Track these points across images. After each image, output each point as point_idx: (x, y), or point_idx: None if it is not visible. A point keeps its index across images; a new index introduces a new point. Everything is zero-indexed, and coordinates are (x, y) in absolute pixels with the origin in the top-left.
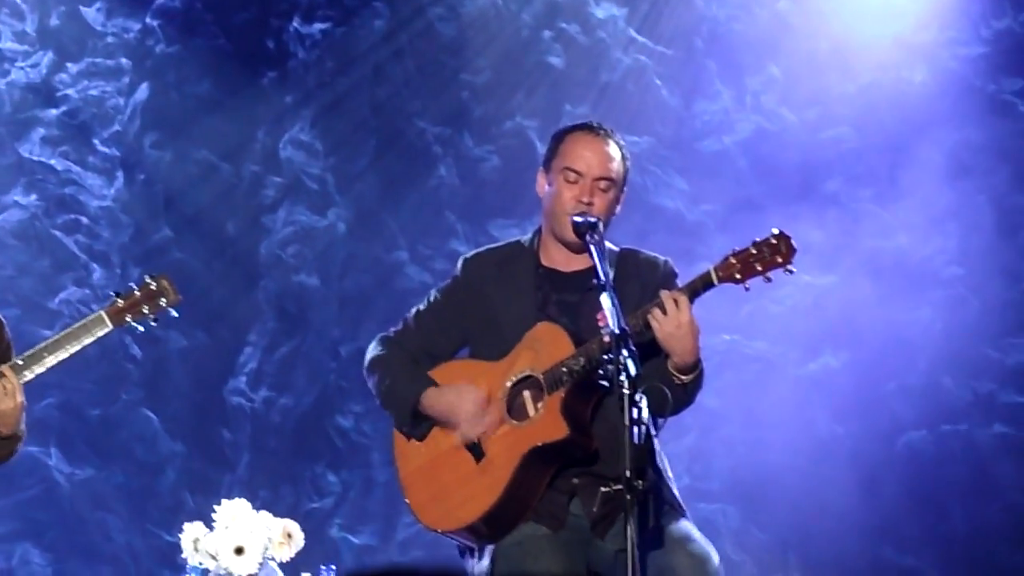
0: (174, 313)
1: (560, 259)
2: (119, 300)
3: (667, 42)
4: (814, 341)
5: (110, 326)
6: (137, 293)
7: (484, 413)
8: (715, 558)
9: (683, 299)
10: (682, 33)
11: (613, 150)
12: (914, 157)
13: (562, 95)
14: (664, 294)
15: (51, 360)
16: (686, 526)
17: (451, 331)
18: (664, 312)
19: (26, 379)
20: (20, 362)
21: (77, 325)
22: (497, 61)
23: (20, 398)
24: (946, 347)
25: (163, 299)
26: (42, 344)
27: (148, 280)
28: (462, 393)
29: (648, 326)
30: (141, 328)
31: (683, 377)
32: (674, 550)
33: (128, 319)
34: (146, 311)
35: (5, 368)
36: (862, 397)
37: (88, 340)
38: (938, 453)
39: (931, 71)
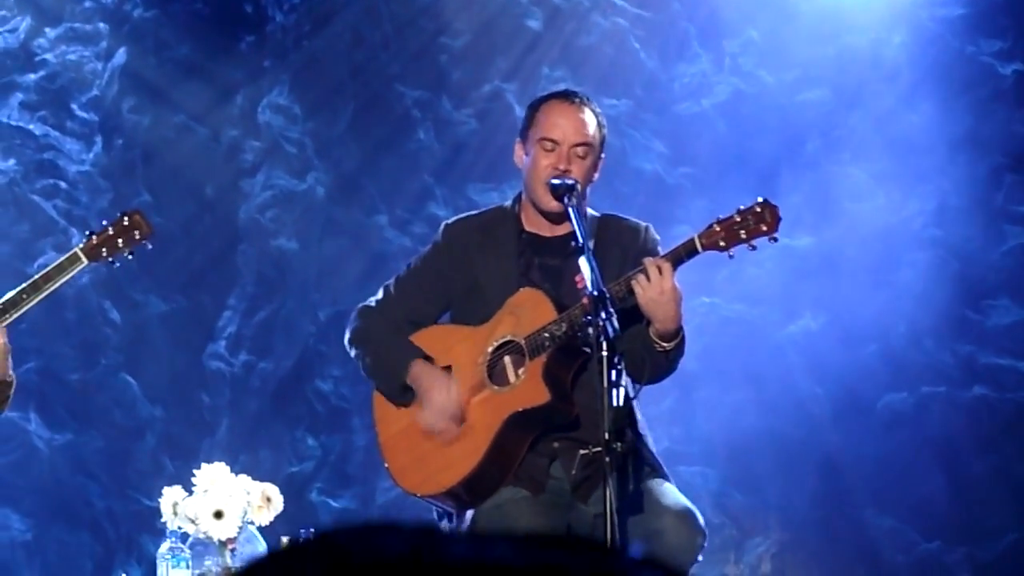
0: (148, 245)
1: (541, 224)
2: (93, 236)
3: (645, 5)
4: (793, 303)
5: (85, 261)
6: (110, 229)
7: (454, 417)
8: (700, 519)
9: (667, 266)
10: None
11: (589, 117)
12: (892, 119)
13: (540, 58)
14: (648, 261)
15: (29, 301)
16: (669, 488)
17: (434, 297)
18: (648, 278)
19: (5, 321)
20: None
21: (53, 265)
22: (475, 25)
23: (2, 339)
24: (926, 309)
25: (137, 232)
26: (19, 288)
27: (120, 215)
28: (449, 389)
29: (631, 292)
30: (117, 264)
31: (665, 344)
32: (659, 513)
33: (103, 254)
34: (121, 245)
35: None
36: (842, 359)
37: (65, 278)
38: (918, 415)
39: (910, 32)
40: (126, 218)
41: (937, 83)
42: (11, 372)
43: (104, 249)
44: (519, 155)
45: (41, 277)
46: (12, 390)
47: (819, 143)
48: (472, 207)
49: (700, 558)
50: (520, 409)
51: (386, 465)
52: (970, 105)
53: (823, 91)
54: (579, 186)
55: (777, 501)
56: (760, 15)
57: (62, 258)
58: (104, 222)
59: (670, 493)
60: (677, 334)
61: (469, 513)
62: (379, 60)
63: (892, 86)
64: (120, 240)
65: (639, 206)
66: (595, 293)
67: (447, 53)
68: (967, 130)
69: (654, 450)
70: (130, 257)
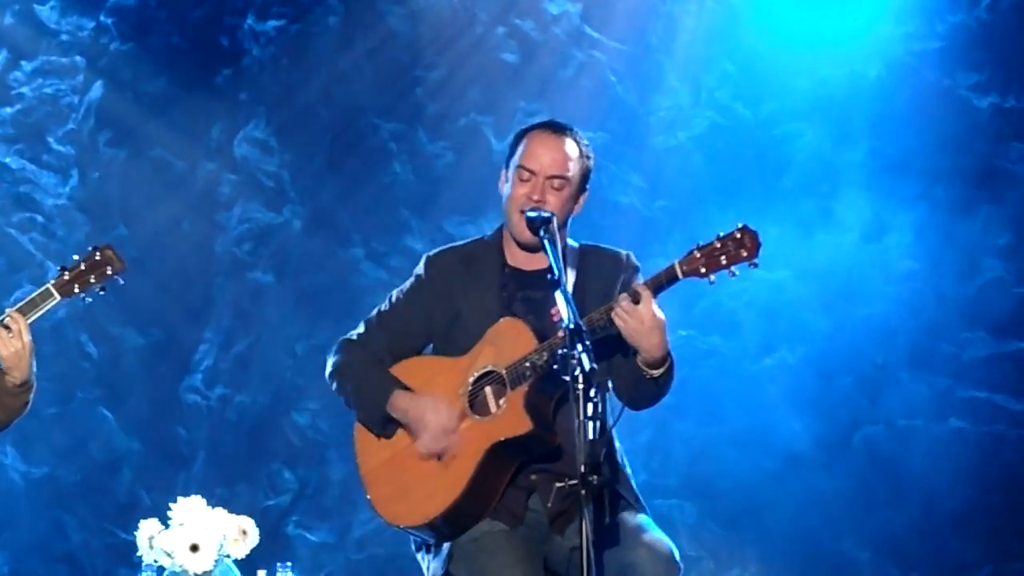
0: (120, 281)
1: (523, 258)
2: (65, 272)
3: (621, 38)
4: (770, 336)
5: (58, 298)
6: (82, 264)
7: (452, 432)
8: (676, 553)
9: (646, 293)
10: (636, 28)
11: (570, 148)
12: (869, 152)
13: (517, 91)
14: (628, 291)
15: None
16: (645, 521)
17: (416, 330)
18: (626, 309)
19: None
20: None
21: (25, 300)
22: (451, 57)
23: (27, 337)
24: (902, 342)
25: (109, 267)
26: None
27: (91, 250)
28: (438, 408)
29: (612, 323)
30: (89, 299)
31: (653, 372)
32: (634, 546)
33: (75, 290)
34: (92, 280)
35: (10, 311)
36: (818, 392)
37: (37, 314)
38: (894, 448)
39: (886, 66)
40: (98, 253)
41: (914, 116)
42: (34, 377)
43: (76, 285)
44: (502, 183)
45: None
46: (32, 394)
47: (796, 176)
48: (448, 240)
49: None
50: (502, 438)
51: (368, 496)
52: (947, 138)
53: (800, 124)
54: (556, 219)
55: (754, 534)
56: (736, 48)
57: (34, 294)
58: (76, 257)
59: (646, 526)
60: (664, 361)
61: (446, 546)
62: (355, 93)
63: (868, 119)
64: (92, 276)
65: (615, 239)
66: (571, 327)
67: (423, 86)
68: (944, 163)
69: (633, 482)
70: (102, 292)
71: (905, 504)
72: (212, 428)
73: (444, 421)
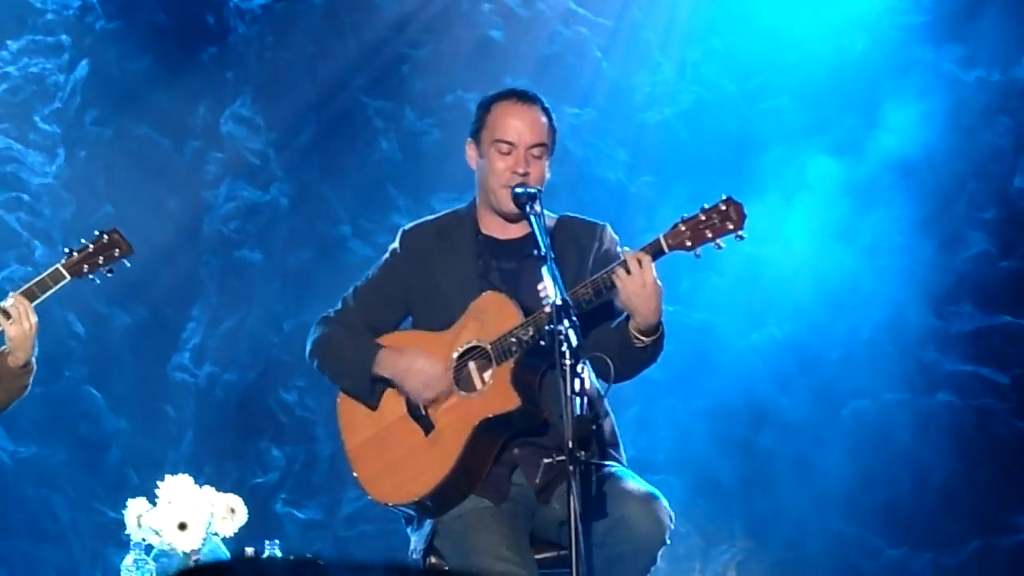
0: (127, 264)
1: (497, 226)
2: (74, 253)
3: (607, 14)
4: (756, 311)
5: (68, 277)
6: (90, 247)
7: (443, 371)
8: (665, 503)
9: (647, 259)
10: (622, 4)
11: (541, 115)
12: (855, 126)
13: (503, 68)
14: (627, 253)
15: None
16: (631, 475)
17: (393, 303)
18: (628, 271)
19: None
20: None
21: (35, 281)
22: (437, 34)
23: (34, 318)
24: (889, 316)
25: (116, 250)
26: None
27: (98, 233)
28: (425, 356)
29: (612, 286)
30: (97, 280)
31: (644, 339)
32: (624, 500)
33: (85, 270)
34: (101, 262)
35: (14, 294)
36: (805, 367)
37: (47, 294)
38: (882, 422)
39: (872, 40)
40: (105, 236)
41: (899, 90)
42: (34, 359)
43: (85, 266)
44: (471, 156)
45: (23, 293)
46: (31, 377)
47: (781, 150)
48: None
49: (668, 541)
50: (490, 415)
51: (355, 474)
52: (932, 111)
53: (785, 99)
54: (541, 193)
55: (742, 509)
56: (722, 23)
57: (45, 274)
58: (83, 240)
59: (633, 480)
60: (657, 328)
61: (428, 522)
62: (341, 70)
63: (854, 93)
64: (100, 257)
65: (601, 215)
66: (558, 302)
67: (409, 63)
68: (929, 136)
69: (622, 452)
70: (109, 275)
71: (893, 479)
72: (200, 406)
73: (434, 368)
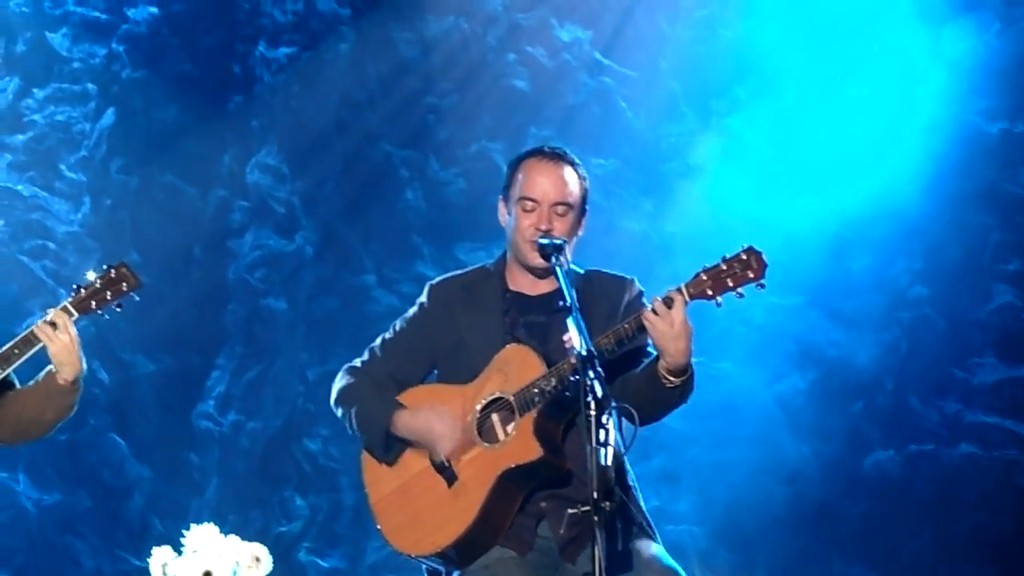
0: (135, 297)
1: (526, 283)
2: (82, 290)
3: (632, 64)
4: (781, 362)
5: (76, 315)
6: (98, 282)
7: (459, 428)
8: None
9: (679, 299)
10: (647, 55)
11: (568, 173)
12: (881, 177)
13: (527, 118)
14: (659, 297)
15: (21, 356)
16: (656, 548)
17: (419, 357)
18: (657, 312)
19: None
20: None
21: (42, 320)
22: (462, 84)
23: (73, 331)
24: (912, 367)
25: (124, 284)
26: (10, 343)
27: (107, 268)
28: (438, 411)
29: (621, 343)
30: (106, 316)
31: (674, 379)
32: (644, 573)
33: (92, 306)
34: (109, 297)
35: (54, 309)
36: (829, 418)
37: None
38: (905, 473)
39: (897, 91)
40: (113, 271)
41: (923, 142)
42: (83, 375)
43: (93, 302)
44: (502, 213)
45: (31, 332)
46: (78, 396)
47: (808, 201)
48: (459, 266)
49: None
50: (512, 465)
51: (379, 527)
52: (957, 163)
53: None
54: (566, 245)
55: (764, 559)
56: (746, 73)
57: (52, 312)
58: (91, 275)
59: (658, 555)
60: (687, 369)
61: (456, 574)
62: (366, 119)
63: (881, 144)
64: (108, 292)
65: (626, 266)
66: (583, 353)
67: (434, 113)
68: (954, 188)
69: (644, 506)
70: (118, 309)
71: (916, 530)
72: (224, 454)
73: (452, 422)
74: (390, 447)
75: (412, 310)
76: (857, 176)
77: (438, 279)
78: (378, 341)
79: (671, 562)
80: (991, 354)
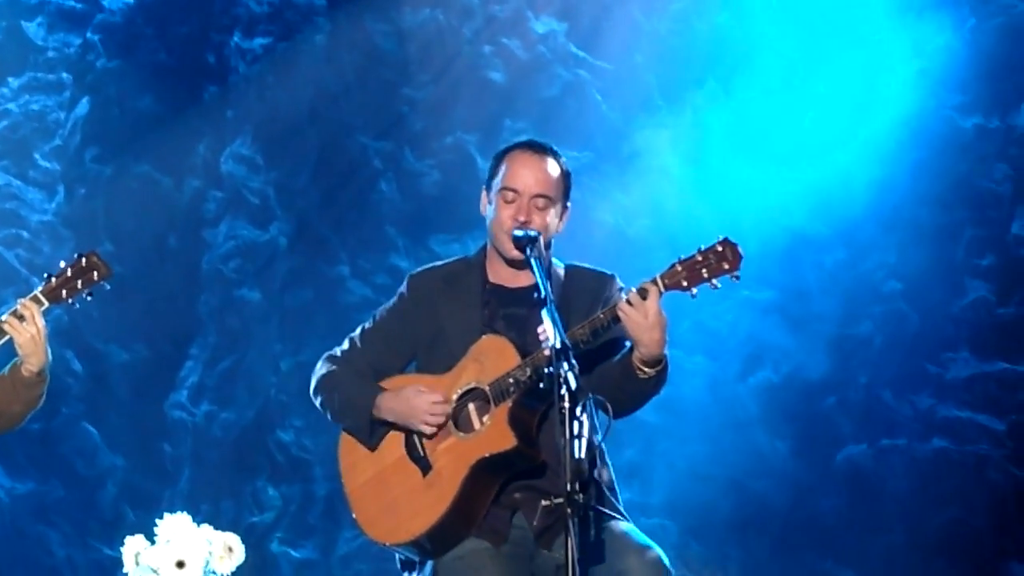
0: (107, 286)
1: (506, 275)
2: (52, 279)
3: (607, 57)
4: (753, 356)
5: (46, 304)
6: (68, 271)
7: (445, 402)
8: (665, 558)
9: (653, 290)
10: (622, 48)
11: (551, 167)
12: (854, 172)
13: (502, 110)
14: (634, 288)
15: None
16: (631, 528)
17: (399, 347)
18: (631, 303)
19: None
20: None
21: (8, 312)
22: (437, 76)
23: (41, 322)
24: (885, 362)
25: (95, 272)
26: None
27: (78, 257)
28: (417, 387)
29: (596, 333)
30: (76, 305)
31: (648, 370)
32: (624, 553)
33: (63, 295)
34: (80, 286)
35: (23, 300)
36: (802, 412)
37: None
38: (878, 467)
39: (871, 87)
40: (84, 259)
41: (897, 136)
42: (48, 366)
43: (64, 291)
44: (484, 204)
45: (3, 322)
46: (45, 387)
47: (781, 194)
48: (434, 258)
49: None
50: (487, 455)
51: (354, 516)
52: (932, 158)
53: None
54: (542, 238)
55: (737, 553)
56: (722, 67)
57: (23, 300)
58: (62, 264)
59: (633, 533)
60: (661, 360)
61: (429, 564)
62: (342, 111)
63: (855, 138)
64: (79, 281)
65: (599, 258)
66: (557, 345)
67: (409, 104)
68: (927, 183)
69: (619, 500)
70: (89, 298)
71: (888, 524)
72: (197, 444)
73: (431, 397)
74: (374, 431)
75: (392, 300)
76: (831, 170)
77: (418, 270)
78: (358, 331)
79: (647, 540)
80: (964, 349)
